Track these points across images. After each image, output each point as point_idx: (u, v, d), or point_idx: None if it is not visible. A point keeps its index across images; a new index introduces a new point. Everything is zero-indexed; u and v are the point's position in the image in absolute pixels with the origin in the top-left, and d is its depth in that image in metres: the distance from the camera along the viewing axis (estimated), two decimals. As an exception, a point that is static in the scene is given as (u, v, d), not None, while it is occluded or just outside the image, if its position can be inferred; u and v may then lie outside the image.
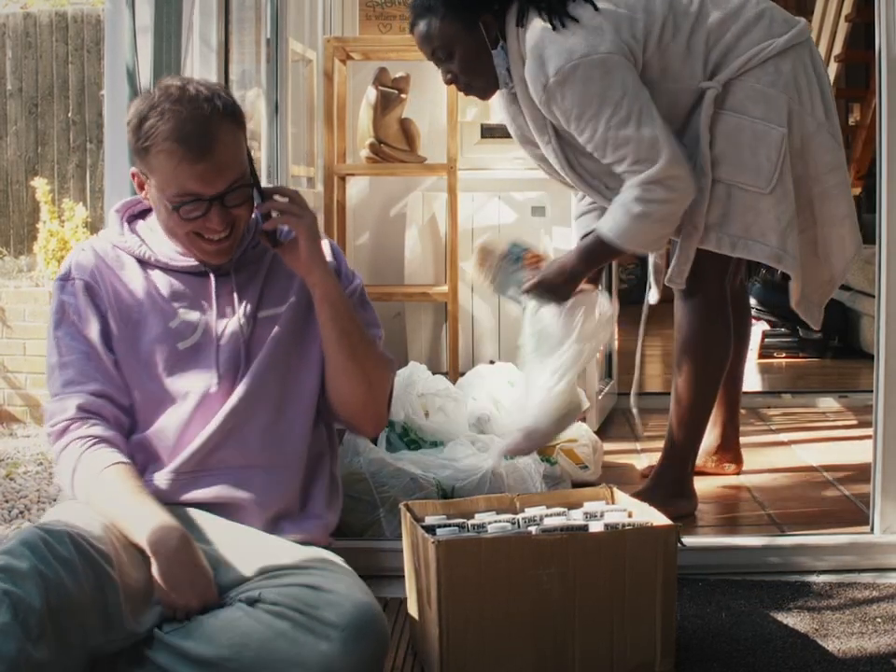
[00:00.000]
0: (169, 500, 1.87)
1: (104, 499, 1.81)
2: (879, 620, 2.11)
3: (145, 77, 2.40)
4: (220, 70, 2.67)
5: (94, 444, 1.86)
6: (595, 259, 2.55)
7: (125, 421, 1.94)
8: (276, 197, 1.96)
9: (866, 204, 5.73)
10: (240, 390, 1.94)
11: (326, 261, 1.98)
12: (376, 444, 2.63)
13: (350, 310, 1.99)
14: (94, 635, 1.64)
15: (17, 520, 3.22)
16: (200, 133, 1.83)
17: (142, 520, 1.77)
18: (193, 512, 1.89)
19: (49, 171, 6.83)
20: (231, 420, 1.93)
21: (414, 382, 2.85)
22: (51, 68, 6.96)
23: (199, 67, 2.66)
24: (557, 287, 2.53)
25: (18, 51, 6.98)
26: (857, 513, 2.65)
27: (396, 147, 3.94)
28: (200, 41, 2.65)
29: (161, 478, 1.91)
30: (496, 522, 1.97)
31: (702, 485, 2.80)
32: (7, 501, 3.42)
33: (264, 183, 3.71)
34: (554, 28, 2.40)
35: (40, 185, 5.63)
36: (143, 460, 1.91)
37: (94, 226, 5.76)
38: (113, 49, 2.47)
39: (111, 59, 2.49)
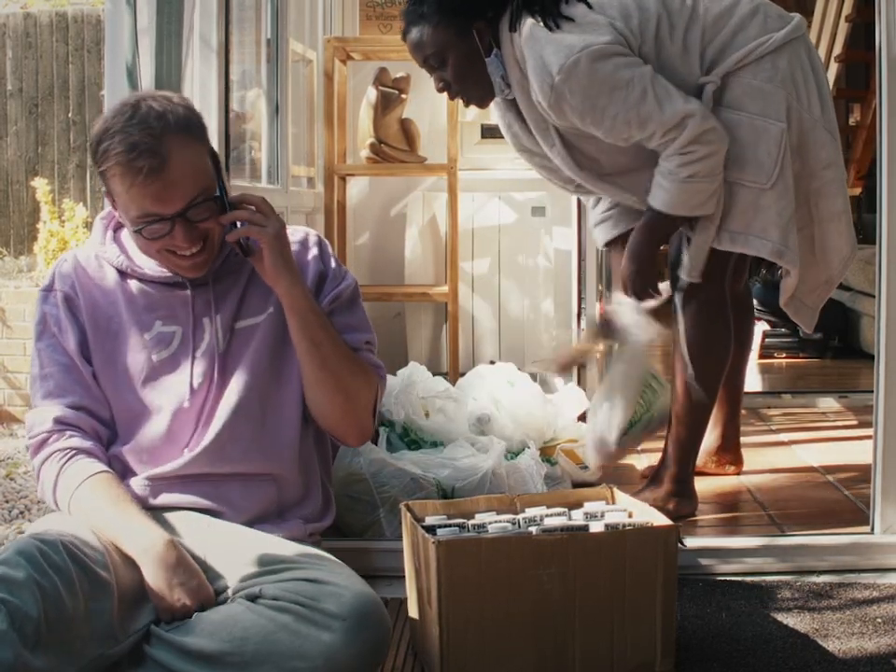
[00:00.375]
0: (144, 505, 1.86)
1: (87, 510, 1.81)
2: (879, 620, 2.11)
3: (145, 77, 2.40)
4: (221, 70, 2.67)
5: (74, 456, 1.86)
6: (661, 232, 2.53)
7: (104, 433, 1.93)
8: (245, 205, 1.91)
9: (866, 204, 5.73)
10: (219, 405, 1.92)
11: (294, 270, 1.92)
12: (376, 444, 2.63)
13: (321, 319, 1.93)
14: (91, 643, 1.64)
15: (17, 520, 3.21)
16: (150, 154, 1.78)
17: (127, 528, 1.78)
18: (178, 517, 1.88)
19: (49, 171, 6.83)
20: (210, 435, 1.91)
21: (414, 383, 2.85)
22: (51, 68, 6.96)
23: (199, 67, 2.66)
24: (642, 270, 2.52)
25: (18, 51, 6.97)
26: (857, 513, 2.65)
27: (396, 147, 3.94)
28: (200, 41, 2.65)
29: (136, 483, 1.90)
30: (496, 522, 1.97)
31: (702, 485, 2.80)
32: (7, 501, 3.42)
33: (264, 183, 3.74)
34: (550, 29, 2.39)
35: (40, 185, 5.62)
36: (120, 472, 1.90)
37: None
38: (113, 48, 2.47)
39: (111, 59, 2.48)
